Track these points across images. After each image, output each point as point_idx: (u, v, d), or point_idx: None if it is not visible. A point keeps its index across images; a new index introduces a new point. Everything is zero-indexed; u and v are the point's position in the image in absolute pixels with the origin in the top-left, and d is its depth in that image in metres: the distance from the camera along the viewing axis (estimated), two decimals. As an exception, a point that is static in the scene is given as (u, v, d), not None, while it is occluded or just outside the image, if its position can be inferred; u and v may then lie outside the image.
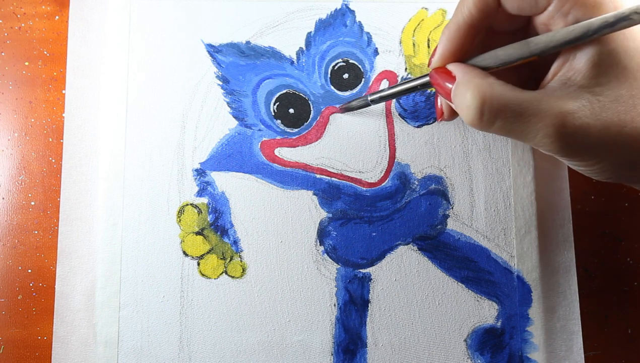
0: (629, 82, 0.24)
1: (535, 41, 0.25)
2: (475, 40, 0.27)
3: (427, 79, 0.29)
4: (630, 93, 0.24)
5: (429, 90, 0.37)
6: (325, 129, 0.36)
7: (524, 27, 0.28)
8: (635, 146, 0.24)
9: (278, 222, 0.36)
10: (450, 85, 0.26)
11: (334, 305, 0.35)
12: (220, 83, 0.37)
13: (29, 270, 0.36)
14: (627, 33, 0.24)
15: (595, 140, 0.24)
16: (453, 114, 0.31)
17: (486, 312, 0.35)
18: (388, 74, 0.37)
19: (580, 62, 0.24)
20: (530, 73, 0.29)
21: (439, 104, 0.31)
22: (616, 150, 0.24)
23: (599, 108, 0.23)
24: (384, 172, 0.36)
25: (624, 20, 0.22)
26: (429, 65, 0.29)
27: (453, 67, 0.27)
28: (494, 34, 0.28)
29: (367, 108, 0.36)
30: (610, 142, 0.24)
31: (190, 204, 0.36)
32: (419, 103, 0.37)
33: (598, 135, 0.23)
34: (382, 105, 0.37)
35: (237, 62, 0.37)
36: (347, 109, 0.36)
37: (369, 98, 0.33)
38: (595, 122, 0.23)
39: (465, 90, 0.25)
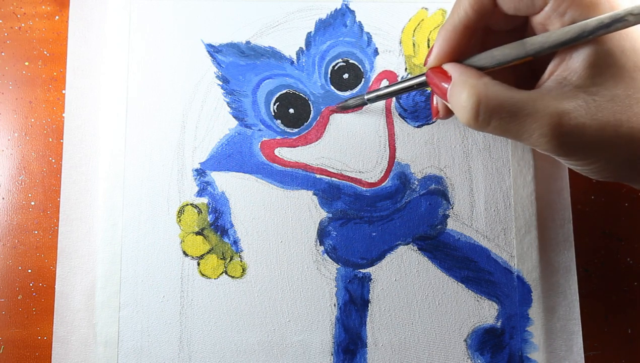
0: (625, 82, 0.24)
1: (531, 42, 0.25)
2: (472, 40, 0.27)
3: (423, 78, 0.29)
4: (626, 93, 0.24)
5: (429, 90, 0.37)
6: (325, 129, 0.36)
7: (521, 26, 0.28)
8: (632, 145, 0.24)
9: (278, 222, 0.36)
10: (446, 85, 0.27)
11: (334, 305, 0.35)
12: (220, 83, 0.37)
13: (29, 270, 0.36)
14: (624, 33, 0.24)
15: (591, 139, 0.24)
16: (448, 113, 0.31)
17: (486, 312, 0.35)
18: (388, 74, 0.37)
19: (576, 62, 0.24)
20: (527, 73, 0.29)
21: (434, 102, 0.31)
22: (613, 149, 0.24)
23: (594, 108, 0.24)
24: (384, 172, 0.36)
25: (619, 22, 0.22)
26: (425, 65, 0.29)
27: (449, 67, 0.27)
28: (491, 34, 0.28)
29: (367, 108, 0.36)
30: (606, 141, 0.24)
31: (190, 204, 0.36)
32: (419, 103, 0.37)
33: (594, 134, 0.24)
34: (382, 104, 0.37)
35: (237, 62, 0.37)
36: (344, 108, 0.36)
37: (366, 97, 0.34)
38: (591, 121, 0.23)
39: (461, 90, 0.25)
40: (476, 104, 0.25)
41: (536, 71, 0.27)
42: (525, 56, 0.25)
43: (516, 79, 0.26)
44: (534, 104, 0.24)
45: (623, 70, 0.24)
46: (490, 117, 0.25)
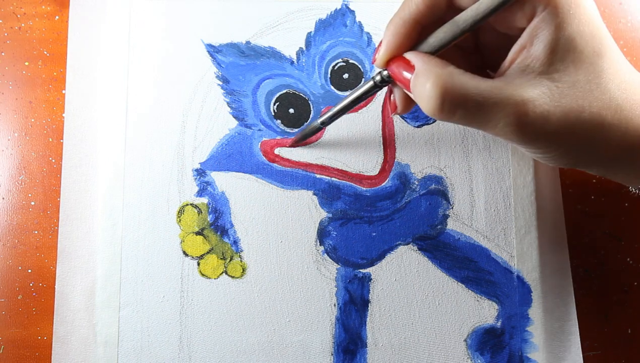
0: (585, 67, 0.24)
1: (463, 17, 0.24)
2: (424, 35, 0.26)
3: (371, 83, 0.28)
4: (587, 78, 0.24)
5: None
6: (325, 128, 0.36)
7: None
8: (593, 131, 0.24)
9: (278, 222, 0.36)
10: (409, 75, 0.26)
11: (334, 305, 0.35)
12: (220, 83, 0.37)
13: (29, 270, 0.36)
14: (583, 18, 0.23)
15: (555, 127, 0.24)
16: (408, 107, 0.30)
17: (486, 312, 0.35)
18: (388, 74, 0.37)
19: (537, 48, 0.24)
20: (482, 60, 0.29)
21: (391, 98, 0.30)
22: (575, 136, 0.24)
23: (558, 94, 0.24)
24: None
25: None
26: (373, 62, 0.28)
27: (411, 56, 0.26)
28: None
29: (367, 108, 0.36)
30: (569, 128, 0.24)
31: (190, 204, 0.36)
32: (419, 103, 0.37)
33: (557, 122, 0.23)
34: (381, 104, 0.37)
35: (237, 62, 0.37)
36: (300, 139, 0.35)
37: (319, 121, 0.33)
38: (555, 108, 0.23)
39: (425, 80, 0.24)
40: (442, 93, 0.24)
41: (492, 60, 0.27)
42: (462, 33, 0.25)
43: (474, 69, 0.25)
44: (499, 93, 0.23)
45: (582, 56, 0.24)
46: (456, 107, 0.24)
